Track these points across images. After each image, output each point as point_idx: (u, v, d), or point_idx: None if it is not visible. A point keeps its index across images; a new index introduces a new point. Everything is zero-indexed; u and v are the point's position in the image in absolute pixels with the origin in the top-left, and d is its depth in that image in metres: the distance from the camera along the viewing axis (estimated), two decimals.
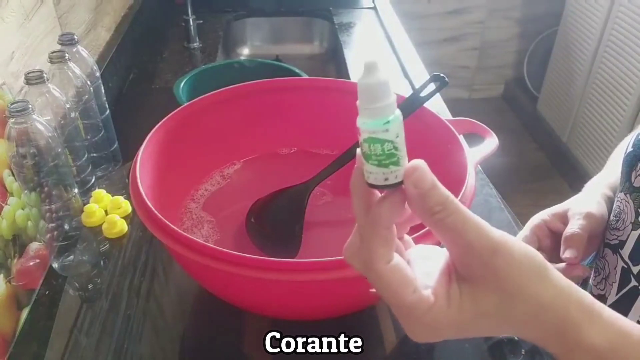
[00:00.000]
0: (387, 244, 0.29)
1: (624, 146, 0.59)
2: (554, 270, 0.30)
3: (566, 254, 0.51)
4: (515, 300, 0.29)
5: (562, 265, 0.52)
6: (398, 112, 0.27)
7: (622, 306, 0.51)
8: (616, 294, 0.53)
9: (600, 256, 0.56)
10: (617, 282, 0.52)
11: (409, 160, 0.28)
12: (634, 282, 0.50)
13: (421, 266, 0.31)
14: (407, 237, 0.35)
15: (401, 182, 0.28)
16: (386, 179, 0.28)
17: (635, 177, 0.51)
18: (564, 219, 0.55)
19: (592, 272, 0.58)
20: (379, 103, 0.27)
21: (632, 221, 0.51)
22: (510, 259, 0.28)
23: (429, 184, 0.27)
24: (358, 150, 0.28)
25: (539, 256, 0.30)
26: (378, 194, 0.29)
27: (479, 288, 0.29)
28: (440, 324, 0.29)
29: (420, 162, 0.28)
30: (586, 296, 0.31)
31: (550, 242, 0.55)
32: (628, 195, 0.52)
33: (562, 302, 0.29)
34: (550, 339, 0.30)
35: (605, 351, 0.30)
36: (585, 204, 0.54)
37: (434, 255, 0.32)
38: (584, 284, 0.59)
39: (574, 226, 0.52)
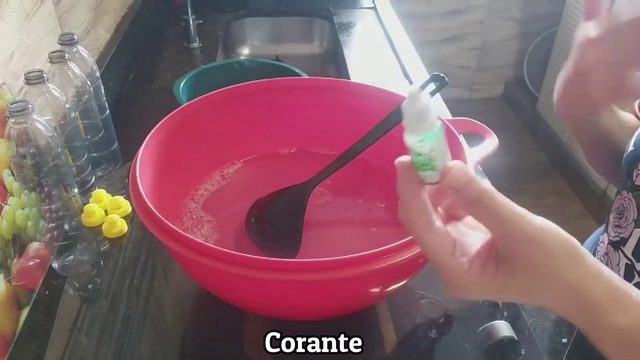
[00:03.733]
0: (424, 214, 0.33)
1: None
2: (588, 257, 0.33)
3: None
4: (543, 279, 0.32)
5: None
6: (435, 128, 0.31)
7: None
8: None
9: (604, 253, 0.56)
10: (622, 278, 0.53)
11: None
12: (637, 279, 0.51)
13: (469, 236, 0.36)
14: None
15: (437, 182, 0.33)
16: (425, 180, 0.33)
17: (637, 176, 0.51)
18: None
19: None
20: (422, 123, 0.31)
21: (635, 219, 0.51)
22: (543, 249, 0.31)
23: (462, 183, 0.31)
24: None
25: (573, 245, 0.32)
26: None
27: (514, 269, 0.33)
28: (472, 287, 0.34)
29: (454, 164, 0.32)
30: (617, 280, 0.33)
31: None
32: (630, 193, 0.52)
33: (588, 286, 0.32)
34: (572, 315, 0.34)
35: (631, 331, 0.32)
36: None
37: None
38: None
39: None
